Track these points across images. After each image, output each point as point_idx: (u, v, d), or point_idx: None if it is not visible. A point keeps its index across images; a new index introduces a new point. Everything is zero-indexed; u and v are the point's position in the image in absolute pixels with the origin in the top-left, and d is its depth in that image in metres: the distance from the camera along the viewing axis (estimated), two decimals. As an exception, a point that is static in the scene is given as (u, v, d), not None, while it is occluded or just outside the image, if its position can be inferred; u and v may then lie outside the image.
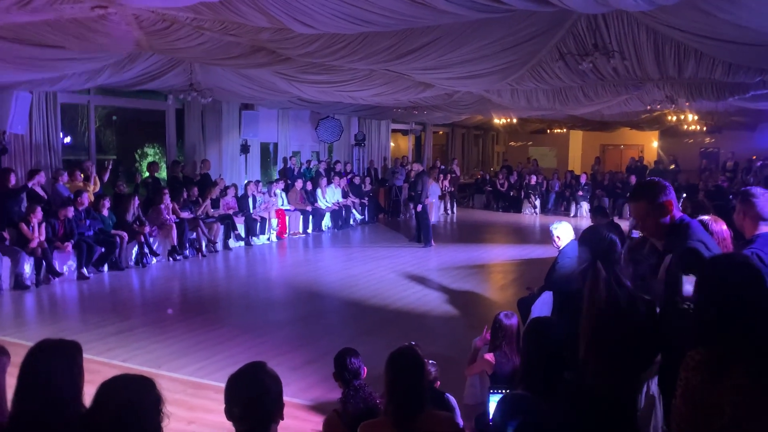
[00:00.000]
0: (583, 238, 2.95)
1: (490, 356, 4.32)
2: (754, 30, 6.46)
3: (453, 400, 3.90)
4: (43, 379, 2.25)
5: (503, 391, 3.24)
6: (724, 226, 3.62)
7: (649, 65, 8.81)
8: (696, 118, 17.65)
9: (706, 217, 3.58)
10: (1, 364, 2.49)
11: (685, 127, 19.03)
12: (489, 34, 7.39)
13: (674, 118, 16.94)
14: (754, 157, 20.12)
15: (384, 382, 2.85)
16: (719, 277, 2.18)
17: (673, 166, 22.09)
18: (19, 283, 8.81)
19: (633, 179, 19.03)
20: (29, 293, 8.76)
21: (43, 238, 9.15)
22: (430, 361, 4.05)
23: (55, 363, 2.30)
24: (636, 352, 2.53)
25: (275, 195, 14.08)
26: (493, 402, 3.20)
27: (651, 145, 25.08)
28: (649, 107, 14.19)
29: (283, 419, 2.24)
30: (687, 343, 2.19)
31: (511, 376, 4.08)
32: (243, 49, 7.86)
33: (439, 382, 4.13)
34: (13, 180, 9.64)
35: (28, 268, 8.97)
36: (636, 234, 7.97)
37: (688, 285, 2.49)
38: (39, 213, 9.15)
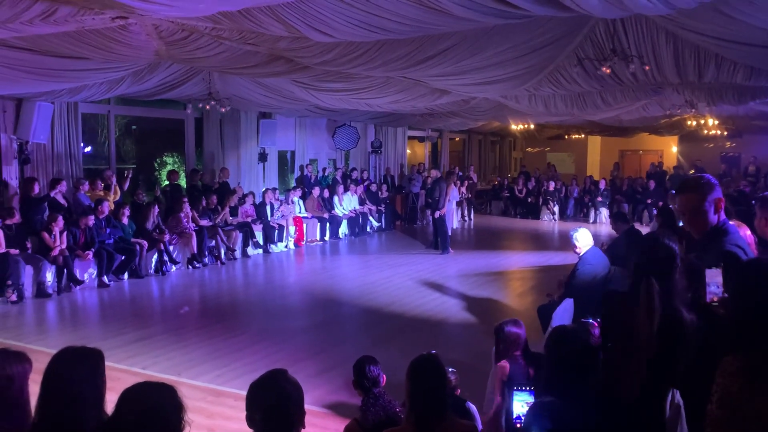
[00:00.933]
0: (637, 244, 2.91)
1: (504, 363, 4.27)
2: (776, 33, 6.39)
3: (473, 408, 3.87)
4: (66, 386, 2.27)
5: (527, 388, 3.20)
6: (748, 232, 3.57)
7: (669, 70, 8.74)
8: (716, 122, 17.44)
9: (730, 223, 3.53)
10: (23, 372, 2.51)
11: (705, 131, 18.81)
12: (506, 40, 7.38)
13: (694, 122, 16.74)
14: None
15: (405, 390, 2.83)
16: (757, 281, 2.13)
17: (692, 171, 21.84)
18: (41, 291, 8.91)
19: (652, 185, 18.86)
20: (51, 301, 8.86)
21: (64, 246, 9.26)
22: (450, 369, 4.02)
23: (78, 370, 2.32)
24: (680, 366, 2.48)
25: (292, 203, 14.13)
26: (517, 400, 3.18)
27: (670, 150, 24.82)
28: (668, 112, 14.06)
29: (304, 427, 2.23)
30: (720, 347, 2.14)
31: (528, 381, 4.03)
32: (261, 58, 7.92)
33: (459, 390, 4.10)
34: (36, 189, 9.80)
35: (49, 276, 9.08)
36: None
37: (714, 285, 2.45)
38: (60, 222, 9.27)
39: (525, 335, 4.25)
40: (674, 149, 24.70)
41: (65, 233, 9.35)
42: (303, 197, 14.69)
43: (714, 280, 2.44)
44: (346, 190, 15.82)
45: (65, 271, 9.20)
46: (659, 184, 18.98)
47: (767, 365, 1.99)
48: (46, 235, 9.14)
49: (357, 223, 15.66)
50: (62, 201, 10.08)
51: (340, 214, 15.27)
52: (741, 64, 8.40)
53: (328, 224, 14.75)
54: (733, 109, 14.26)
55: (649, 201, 18.42)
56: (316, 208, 14.77)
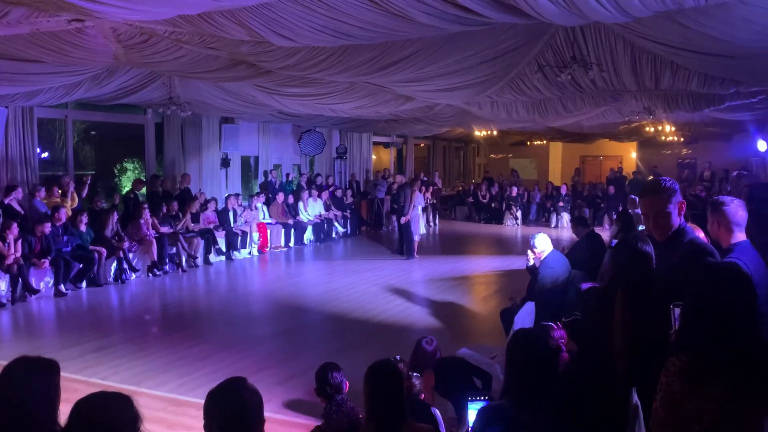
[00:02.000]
0: (618, 252, 2.97)
1: (429, 375, 4.43)
2: (727, 42, 6.58)
3: (437, 412, 3.87)
4: (18, 397, 2.19)
5: (482, 398, 3.22)
6: (702, 234, 3.65)
7: (627, 77, 8.93)
8: (673, 129, 17.92)
9: (688, 225, 3.61)
10: None
11: (663, 138, 19.30)
12: (468, 47, 7.45)
13: (652, 129, 17.17)
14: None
15: (363, 396, 2.82)
16: (700, 286, 2.18)
17: (651, 177, 22.34)
18: (-6, 301, 8.65)
19: (612, 190, 19.25)
20: (5, 311, 8.59)
21: (19, 254, 8.99)
22: (414, 374, 4.03)
23: (30, 381, 2.25)
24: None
25: (256, 208, 14.00)
26: (472, 410, 3.19)
27: (630, 155, 25.39)
28: (627, 118, 14.38)
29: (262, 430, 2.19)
30: (668, 349, 2.19)
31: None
32: (222, 62, 7.84)
33: (423, 395, 4.11)
34: (-12, 196, 9.51)
35: (3, 285, 8.82)
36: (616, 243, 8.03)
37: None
38: (15, 229, 9.00)
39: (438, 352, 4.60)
40: (633, 155, 25.27)
41: (20, 241, 9.08)
42: (267, 203, 14.56)
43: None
44: (310, 195, 15.74)
45: (20, 280, 8.93)
46: (619, 189, 19.38)
47: (706, 368, 2.04)
48: (0, 243, 8.87)
49: (322, 229, 15.60)
50: (18, 208, 9.79)
51: (305, 220, 15.19)
52: (695, 72, 8.63)
53: (292, 230, 14.64)
54: (689, 116, 14.66)
55: (602, 205, 18.85)
56: (281, 213, 14.65)
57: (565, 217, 19.04)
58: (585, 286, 5.88)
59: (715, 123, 17.25)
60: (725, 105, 11.53)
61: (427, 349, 4.43)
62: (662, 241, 3.09)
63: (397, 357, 4.22)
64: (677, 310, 2.45)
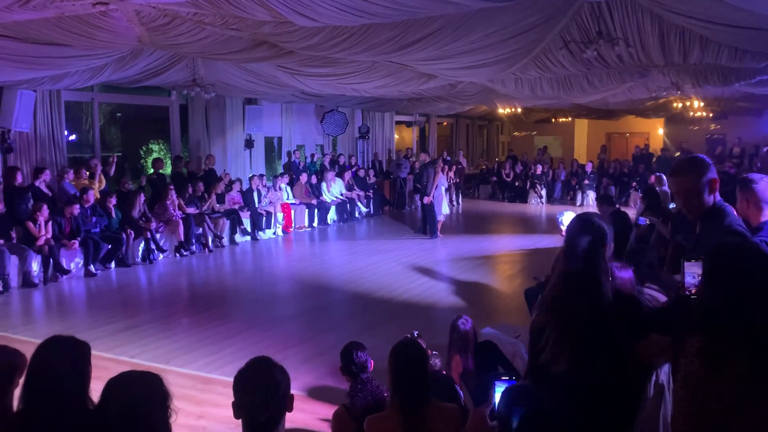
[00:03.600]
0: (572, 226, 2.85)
1: (458, 360, 4.40)
2: (759, 14, 6.40)
3: (459, 390, 3.90)
4: (52, 374, 2.26)
5: (510, 378, 3.23)
6: (734, 211, 3.59)
7: (654, 52, 8.74)
8: (702, 104, 17.52)
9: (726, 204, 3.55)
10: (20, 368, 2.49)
11: (691, 113, 18.91)
12: (492, 24, 7.35)
13: (680, 104, 16.82)
14: None
15: (387, 375, 2.84)
16: (728, 264, 2.16)
17: (678, 153, 21.96)
18: (27, 281, 8.85)
19: (641, 168, 18.98)
20: (37, 291, 8.80)
21: (49, 235, 9.17)
22: (433, 352, 4.05)
23: (64, 359, 2.31)
24: (607, 342, 2.51)
25: (280, 189, 14.08)
26: (499, 390, 3.20)
27: (657, 132, 24.94)
28: (654, 94, 14.10)
29: (291, 410, 2.23)
30: (688, 329, 2.18)
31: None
32: (245, 43, 7.84)
33: (444, 372, 4.13)
34: (19, 178, 9.69)
35: (35, 266, 9.01)
36: (643, 221, 7.95)
37: (690, 276, 2.47)
38: (45, 211, 9.17)
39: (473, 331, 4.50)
40: (660, 131, 24.82)
41: (50, 222, 9.26)
42: (291, 183, 14.63)
43: (690, 271, 2.46)
44: (334, 175, 15.77)
45: (51, 260, 9.13)
46: (646, 166, 19.09)
47: (727, 347, 2.04)
48: (30, 224, 9.05)
49: (345, 208, 15.64)
50: (46, 190, 9.98)
51: (329, 200, 15.24)
52: (725, 46, 8.42)
53: (316, 210, 14.72)
54: (719, 91, 14.33)
55: (634, 184, 18.55)
56: (304, 194, 14.72)
57: (591, 195, 18.83)
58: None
59: (745, 98, 16.83)
60: (756, 79, 11.25)
61: (461, 328, 4.41)
62: (697, 221, 3.02)
63: (415, 333, 4.25)
64: (687, 263, 2.42)
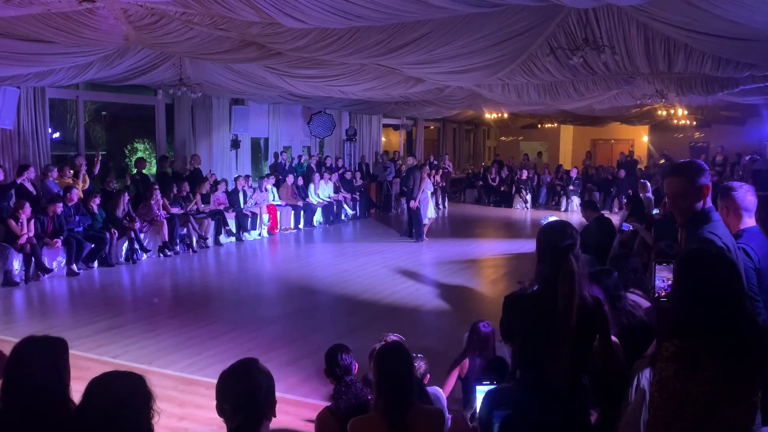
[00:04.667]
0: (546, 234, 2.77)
1: (465, 363, 4.39)
2: (743, 24, 6.50)
3: (442, 394, 3.91)
4: (28, 375, 2.24)
5: (490, 382, 3.24)
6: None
7: (639, 60, 8.84)
8: (686, 112, 17.73)
9: (715, 212, 3.58)
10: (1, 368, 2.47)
11: (675, 121, 19.12)
12: (480, 29, 7.39)
13: (664, 112, 17.00)
14: None
15: (372, 378, 2.85)
16: (695, 270, 2.20)
17: (662, 161, 22.17)
18: (8, 280, 8.75)
19: (623, 173, 19.14)
20: (18, 290, 8.70)
21: (32, 234, 9.08)
22: (419, 356, 4.05)
23: (40, 359, 2.29)
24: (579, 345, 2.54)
25: (266, 190, 14.03)
26: (480, 393, 3.21)
27: (641, 139, 25.19)
28: (639, 102, 14.25)
29: (275, 416, 2.23)
30: (661, 333, 2.22)
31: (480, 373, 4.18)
32: (233, 43, 7.82)
33: (428, 376, 4.14)
34: (1, 176, 9.58)
35: (17, 264, 8.91)
36: (626, 227, 8.03)
37: (659, 280, 2.51)
38: (28, 209, 9.08)
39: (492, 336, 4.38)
40: (645, 139, 25.06)
41: (33, 221, 9.16)
42: (277, 185, 14.59)
43: (660, 275, 2.50)
44: (321, 177, 15.76)
45: (33, 259, 9.03)
46: (629, 173, 19.26)
47: (701, 352, 2.08)
48: (12, 222, 8.95)
49: (331, 211, 15.62)
50: (30, 188, 9.87)
51: (315, 202, 15.22)
52: (709, 55, 8.53)
53: (302, 212, 14.69)
54: (702, 100, 14.51)
55: (612, 189, 18.75)
56: (290, 195, 14.69)
57: (575, 200, 18.96)
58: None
59: (728, 107, 17.07)
60: (739, 88, 11.40)
61: (482, 332, 4.38)
62: (683, 224, 3.04)
63: (399, 336, 4.24)
64: (658, 267, 2.46)
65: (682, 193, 2.95)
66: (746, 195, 3.23)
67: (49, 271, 9.27)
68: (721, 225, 2.90)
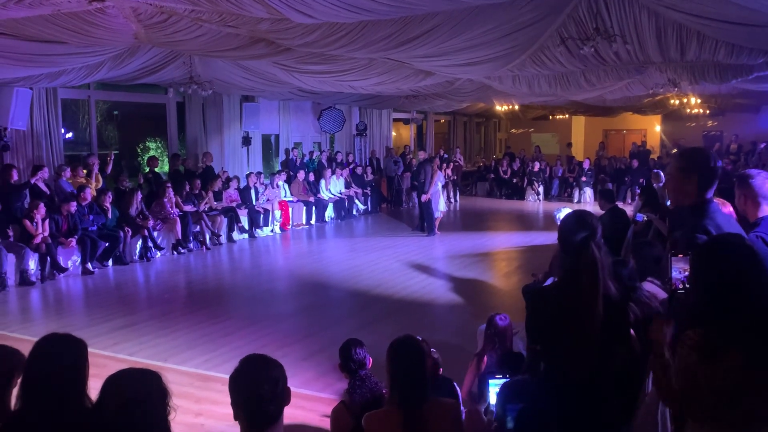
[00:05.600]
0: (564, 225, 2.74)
1: (481, 360, 4.35)
2: (757, 11, 6.41)
3: (456, 387, 3.90)
4: (48, 373, 2.25)
5: (503, 376, 3.23)
6: (730, 209, 3.59)
7: (651, 48, 8.75)
8: (699, 101, 17.55)
9: (714, 202, 3.54)
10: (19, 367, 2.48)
11: (688, 110, 18.93)
12: (489, 20, 7.34)
13: (677, 101, 16.85)
14: None
15: (386, 372, 2.84)
16: (715, 259, 2.18)
17: (675, 150, 21.98)
18: (24, 279, 8.83)
19: (636, 164, 19.00)
20: (34, 289, 8.78)
21: (46, 233, 9.16)
22: (432, 350, 4.04)
23: (60, 357, 2.30)
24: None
25: (278, 186, 14.07)
26: (493, 387, 3.20)
27: (654, 129, 24.97)
28: (651, 91, 14.11)
29: (288, 404, 2.21)
30: (683, 323, 2.20)
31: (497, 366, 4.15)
32: (242, 40, 7.83)
33: (441, 370, 4.13)
34: (15, 176, 9.66)
35: (32, 264, 8.99)
36: (640, 218, 7.96)
37: (676, 271, 2.47)
38: (42, 209, 9.16)
39: (510, 329, 4.34)
40: (657, 128, 24.84)
41: (47, 220, 9.24)
42: (288, 181, 14.62)
43: (677, 266, 2.46)
44: (333, 173, 15.76)
45: (48, 258, 9.11)
46: (642, 163, 19.11)
47: (723, 340, 2.06)
48: (27, 222, 9.03)
49: (343, 206, 15.64)
50: (44, 188, 9.96)
51: (326, 198, 15.23)
52: (723, 42, 8.43)
53: (314, 208, 14.71)
54: (716, 88, 14.34)
55: (626, 179, 18.60)
56: (302, 191, 14.71)
57: (588, 192, 18.85)
58: None
59: (742, 94, 16.86)
60: (753, 75, 11.25)
61: (499, 325, 4.34)
62: (677, 211, 3.02)
63: (419, 338, 4.21)
64: (673, 259, 2.43)
65: (676, 176, 2.93)
66: (765, 182, 3.19)
67: (65, 270, 9.35)
68: (719, 213, 2.82)
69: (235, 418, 2.13)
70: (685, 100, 16.73)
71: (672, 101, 16.97)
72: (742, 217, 3.55)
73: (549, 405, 2.47)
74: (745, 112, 21.54)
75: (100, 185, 10.88)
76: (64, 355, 2.31)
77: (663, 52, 8.95)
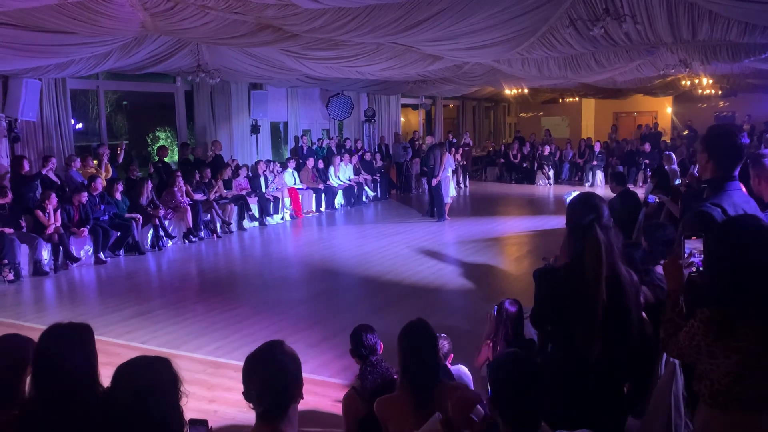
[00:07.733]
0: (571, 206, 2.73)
1: (488, 347, 4.33)
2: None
3: (467, 373, 3.90)
4: (57, 361, 2.27)
5: None
6: (744, 190, 3.54)
7: (662, 28, 8.63)
8: (710, 81, 17.33)
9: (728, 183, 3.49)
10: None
11: (700, 91, 18.71)
12: (497, 3, 7.27)
13: (688, 82, 16.65)
14: None
15: (397, 357, 2.85)
16: (729, 240, 2.16)
17: (686, 132, 21.78)
18: (37, 270, 8.91)
19: (647, 147, 18.83)
20: (48, 279, 8.86)
21: (59, 224, 9.22)
22: (442, 335, 4.04)
23: (67, 345, 2.32)
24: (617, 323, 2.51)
25: (286, 172, 14.07)
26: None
27: (665, 111, 24.72)
28: (662, 72, 13.94)
29: (302, 398, 2.23)
30: (696, 302, 2.20)
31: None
32: (249, 27, 7.80)
33: (452, 355, 4.13)
34: (26, 167, 9.72)
35: (45, 254, 9.07)
36: (653, 199, 7.90)
37: (688, 253, 2.44)
38: (54, 199, 9.22)
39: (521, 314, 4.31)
40: (669, 110, 24.60)
41: (59, 211, 9.31)
42: (297, 168, 14.62)
43: (690, 247, 2.40)
44: (341, 160, 15.75)
45: (61, 248, 9.18)
46: (654, 145, 18.94)
47: (733, 319, 2.09)
48: (40, 213, 9.09)
49: (352, 193, 15.63)
50: (54, 178, 10.01)
51: (336, 185, 15.23)
52: (735, 21, 8.29)
53: (323, 195, 14.72)
54: (728, 68, 14.14)
55: (642, 161, 18.44)
56: (311, 179, 14.71)
57: (599, 175, 18.73)
58: None
59: (755, 74, 16.61)
60: (766, 54, 11.10)
61: (509, 310, 4.33)
62: (694, 189, 3.01)
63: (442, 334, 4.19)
64: (687, 241, 2.40)
65: (701, 152, 2.94)
66: None
67: (77, 259, 9.42)
68: (727, 195, 2.78)
69: (248, 399, 2.15)
70: (696, 81, 16.53)
71: (683, 82, 16.77)
72: (758, 197, 3.51)
73: (559, 386, 2.47)
74: (758, 92, 21.24)
75: (110, 175, 10.93)
76: (68, 343, 2.32)
77: (674, 32, 8.83)
